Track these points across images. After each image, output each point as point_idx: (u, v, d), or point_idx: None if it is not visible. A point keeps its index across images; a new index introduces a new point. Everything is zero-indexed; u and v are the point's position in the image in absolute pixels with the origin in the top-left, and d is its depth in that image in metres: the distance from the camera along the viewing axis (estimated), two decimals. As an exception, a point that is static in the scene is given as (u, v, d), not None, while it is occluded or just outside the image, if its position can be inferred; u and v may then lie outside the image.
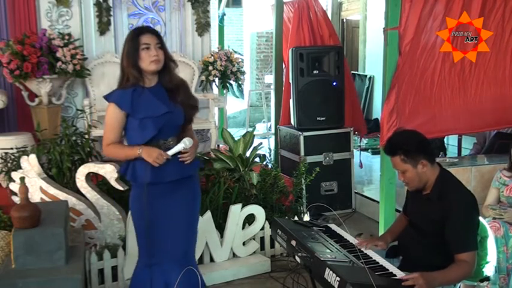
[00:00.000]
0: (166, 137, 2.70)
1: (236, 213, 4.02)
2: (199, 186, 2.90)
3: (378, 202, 4.53)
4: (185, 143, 2.63)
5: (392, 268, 2.47)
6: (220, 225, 4.02)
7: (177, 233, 2.77)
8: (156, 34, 2.67)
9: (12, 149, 4.22)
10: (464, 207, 2.58)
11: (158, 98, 2.66)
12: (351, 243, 2.77)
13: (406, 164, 2.64)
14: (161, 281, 2.77)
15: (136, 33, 2.66)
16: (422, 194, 2.75)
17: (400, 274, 2.40)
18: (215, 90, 5.91)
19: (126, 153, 2.66)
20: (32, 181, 3.72)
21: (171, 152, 2.62)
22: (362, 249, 2.70)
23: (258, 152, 4.65)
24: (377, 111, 8.32)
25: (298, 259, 2.58)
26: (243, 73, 5.71)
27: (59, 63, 4.60)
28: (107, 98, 2.69)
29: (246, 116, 8.73)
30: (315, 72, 5.44)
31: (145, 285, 2.80)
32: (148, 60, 2.62)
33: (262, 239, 4.21)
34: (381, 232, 3.79)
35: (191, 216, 2.83)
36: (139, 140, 2.64)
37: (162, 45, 2.65)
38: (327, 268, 2.30)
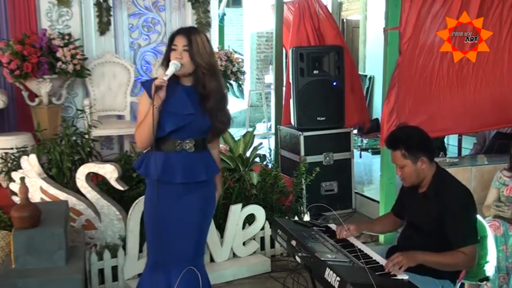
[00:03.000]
0: (185, 137, 2.67)
1: (236, 213, 4.02)
2: (213, 192, 2.84)
3: (378, 202, 4.54)
4: (176, 64, 2.58)
5: (392, 268, 2.47)
6: (220, 225, 4.02)
7: (187, 237, 2.73)
8: (188, 37, 2.61)
9: (12, 149, 4.22)
10: (462, 202, 2.61)
11: (189, 98, 2.65)
12: (351, 243, 2.77)
13: (405, 160, 2.66)
14: (166, 284, 2.76)
15: (172, 34, 2.68)
16: (418, 193, 2.76)
17: (400, 274, 2.41)
18: (215, 90, 5.89)
19: (146, 118, 2.58)
20: (32, 181, 3.72)
21: (168, 72, 2.56)
22: (342, 235, 2.77)
23: (258, 152, 4.65)
24: (377, 111, 8.31)
25: (298, 259, 2.58)
26: (243, 73, 5.72)
27: (59, 63, 4.60)
28: (142, 84, 2.73)
29: (246, 116, 8.73)
30: (315, 72, 5.44)
31: (151, 286, 2.80)
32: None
33: (262, 239, 4.21)
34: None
35: (203, 222, 2.79)
36: (159, 132, 2.61)
37: (189, 49, 2.60)
38: (327, 268, 2.30)
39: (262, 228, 4.17)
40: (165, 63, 2.67)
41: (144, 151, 2.79)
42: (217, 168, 2.84)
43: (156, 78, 2.67)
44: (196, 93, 2.67)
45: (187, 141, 2.66)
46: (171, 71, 2.56)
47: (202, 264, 2.87)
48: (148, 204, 2.76)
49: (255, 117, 10.62)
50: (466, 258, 2.55)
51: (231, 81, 5.72)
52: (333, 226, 3.04)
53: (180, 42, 2.62)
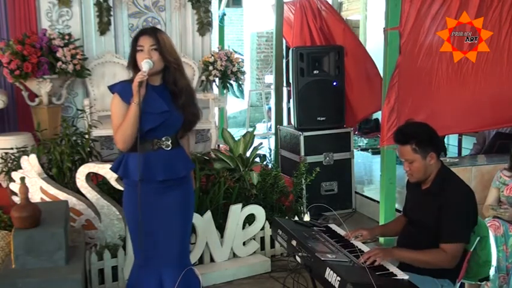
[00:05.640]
0: (161, 136, 2.71)
1: (236, 213, 4.02)
2: (192, 188, 2.91)
3: (378, 202, 4.54)
4: (149, 63, 2.60)
5: (392, 268, 2.47)
6: (221, 225, 4.02)
7: (171, 234, 2.77)
8: (154, 36, 2.66)
9: (12, 149, 4.22)
10: (461, 199, 2.62)
11: (160, 97, 2.69)
12: (351, 243, 2.77)
13: (415, 154, 2.68)
14: (156, 282, 2.77)
15: (136, 36, 2.71)
16: (422, 189, 2.78)
17: (400, 274, 2.41)
18: (215, 90, 5.91)
19: (127, 116, 2.60)
20: (32, 181, 3.72)
21: (145, 69, 2.57)
22: (352, 241, 2.76)
23: (258, 152, 4.65)
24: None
25: (298, 259, 2.58)
26: (243, 73, 5.72)
27: (59, 63, 4.60)
28: (111, 88, 2.74)
29: (246, 116, 8.73)
30: (315, 72, 5.45)
31: (141, 286, 2.80)
32: (140, 62, 2.63)
33: (262, 239, 4.21)
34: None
35: (185, 217, 2.84)
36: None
37: (158, 47, 2.64)
38: (328, 268, 2.30)
39: (262, 228, 4.17)
40: (131, 65, 2.71)
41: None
42: (193, 163, 2.93)
43: (122, 81, 2.73)
44: (166, 91, 2.72)
45: (164, 139, 2.71)
46: (146, 68, 2.59)
47: (189, 263, 2.92)
48: (129, 204, 2.78)
49: (255, 117, 10.62)
50: (445, 257, 2.55)
51: (231, 81, 5.72)
52: (333, 226, 3.04)
53: (147, 42, 2.65)
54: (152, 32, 2.70)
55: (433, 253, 2.57)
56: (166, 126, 2.70)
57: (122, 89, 2.68)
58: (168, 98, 2.71)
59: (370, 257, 2.49)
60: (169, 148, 2.73)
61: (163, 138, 2.71)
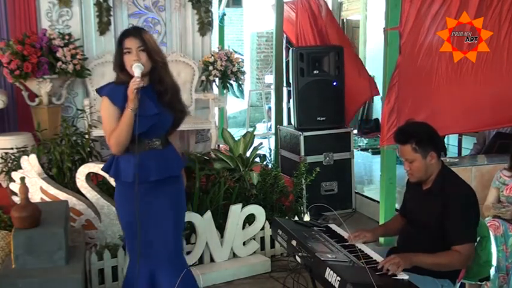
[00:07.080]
0: (152, 137, 2.71)
1: (236, 213, 4.02)
2: (183, 186, 2.90)
3: (378, 202, 4.54)
4: (140, 66, 2.58)
5: (392, 268, 2.47)
6: (221, 225, 4.02)
7: (164, 233, 2.77)
8: (140, 36, 2.63)
9: (12, 149, 4.22)
10: (464, 199, 2.62)
11: (149, 98, 2.67)
12: (352, 243, 2.77)
13: (416, 154, 2.67)
14: (149, 280, 2.77)
15: (120, 38, 2.68)
16: (422, 190, 2.78)
17: (400, 274, 2.40)
18: (215, 90, 5.91)
19: (122, 122, 2.58)
20: (32, 181, 3.72)
21: (138, 74, 2.55)
22: (355, 243, 2.75)
23: (258, 152, 4.65)
24: (377, 111, 8.31)
25: (298, 259, 2.58)
26: (243, 73, 5.72)
27: (59, 63, 4.60)
28: (99, 91, 2.71)
29: (246, 116, 8.73)
30: (315, 72, 5.45)
31: (136, 285, 2.81)
32: (129, 65, 2.61)
33: (262, 239, 4.21)
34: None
35: (177, 216, 2.84)
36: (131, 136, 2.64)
37: (145, 48, 2.62)
38: (328, 268, 2.30)
39: (262, 228, 4.17)
40: (118, 68, 2.67)
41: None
42: (183, 161, 2.92)
43: (110, 83, 2.71)
44: (153, 91, 2.70)
45: (155, 140, 2.71)
46: (138, 72, 2.57)
47: (184, 261, 2.92)
48: (122, 205, 2.77)
49: (255, 117, 10.62)
50: (460, 257, 2.55)
51: (231, 81, 5.72)
52: (333, 226, 3.04)
53: (133, 44, 2.62)
54: (137, 32, 2.66)
55: (449, 255, 2.56)
56: (157, 128, 2.70)
57: (111, 92, 2.65)
58: (155, 99, 2.70)
59: (391, 265, 2.41)
60: (160, 148, 2.73)
61: (153, 139, 2.71)
